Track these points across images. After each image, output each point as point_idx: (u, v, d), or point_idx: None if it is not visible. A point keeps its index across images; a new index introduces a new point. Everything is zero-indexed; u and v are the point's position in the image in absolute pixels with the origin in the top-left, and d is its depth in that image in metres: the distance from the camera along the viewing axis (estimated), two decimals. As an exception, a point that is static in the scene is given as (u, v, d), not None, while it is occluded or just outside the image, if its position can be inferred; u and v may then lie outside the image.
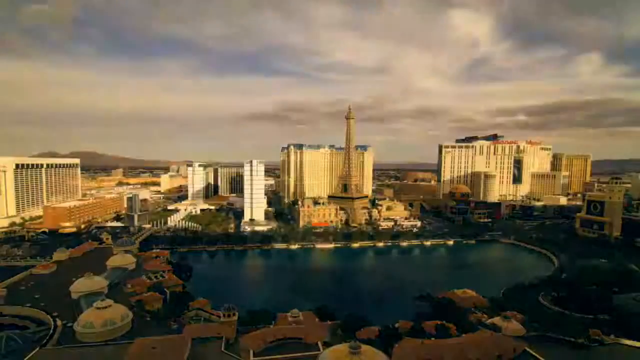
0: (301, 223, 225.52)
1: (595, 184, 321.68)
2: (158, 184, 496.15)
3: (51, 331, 66.28)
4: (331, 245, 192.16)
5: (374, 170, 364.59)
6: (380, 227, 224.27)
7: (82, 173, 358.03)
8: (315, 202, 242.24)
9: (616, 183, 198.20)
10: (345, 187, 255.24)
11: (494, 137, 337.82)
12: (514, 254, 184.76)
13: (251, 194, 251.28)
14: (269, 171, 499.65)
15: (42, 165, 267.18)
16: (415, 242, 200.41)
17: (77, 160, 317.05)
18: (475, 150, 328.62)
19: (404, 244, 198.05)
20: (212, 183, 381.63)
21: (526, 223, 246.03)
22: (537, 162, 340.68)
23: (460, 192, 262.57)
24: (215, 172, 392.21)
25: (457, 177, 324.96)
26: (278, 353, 56.41)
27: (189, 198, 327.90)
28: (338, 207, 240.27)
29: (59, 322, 70.09)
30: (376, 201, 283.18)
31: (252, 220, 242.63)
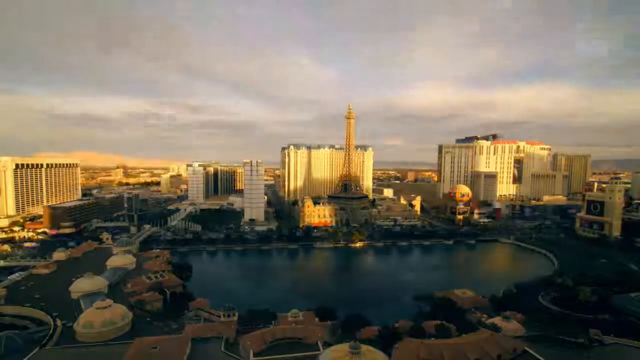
0: (301, 223, 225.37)
1: (595, 184, 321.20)
2: (158, 184, 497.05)
3: (51, 331, 66.21)
4: (331, 245, 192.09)
5: (373, 170, 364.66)
6: (380, 227, 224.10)
7: (81, 173, 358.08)
8: (315, 202, 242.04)
9: (616, 183, 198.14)
10: (345, 187, 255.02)
11: (493, 137, 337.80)
12: (514, 254, 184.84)
13: (251, 194, 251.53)
14: (269, 171, 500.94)
15: (42, 165, 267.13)
16: (415, 242, 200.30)
17: (77, 160, 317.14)
18: (475, 150, 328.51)
19: (404, 243, 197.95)
20: (212, 183, 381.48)
21: (526, 223, 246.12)
22: (537, 162, 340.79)
23: (460, 192, 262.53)
24: (215, 172, 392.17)
25: (457, 177, 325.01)
26: (278, 353, 56.46)
27: (189, 198, 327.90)
28: (338, 207, 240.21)
29: (59, 322, 70.04)
30: (376, 201, 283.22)
31: (252, 220, 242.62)
